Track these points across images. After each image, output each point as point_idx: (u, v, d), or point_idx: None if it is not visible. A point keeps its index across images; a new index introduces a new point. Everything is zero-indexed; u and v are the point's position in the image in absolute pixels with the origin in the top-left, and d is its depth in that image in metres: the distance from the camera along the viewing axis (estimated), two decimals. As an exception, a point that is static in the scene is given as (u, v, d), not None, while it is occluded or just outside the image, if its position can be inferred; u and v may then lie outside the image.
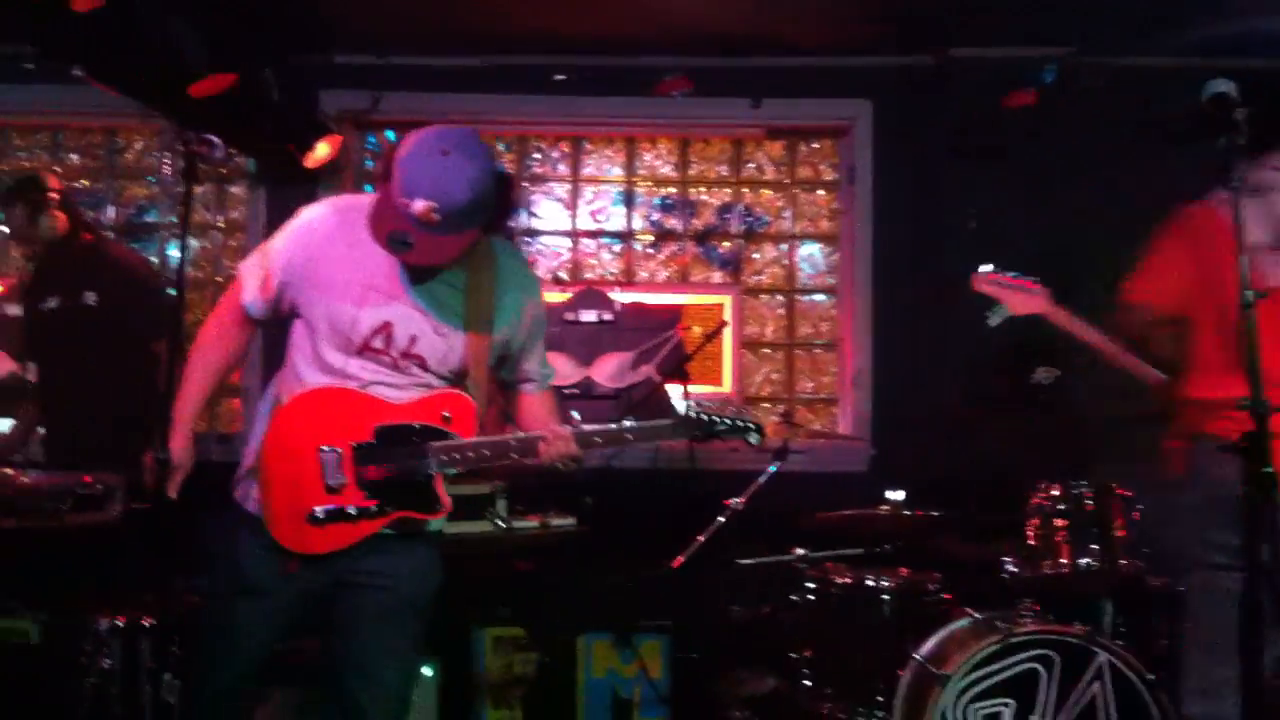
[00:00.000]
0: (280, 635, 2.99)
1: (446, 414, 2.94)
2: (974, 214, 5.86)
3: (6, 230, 5.02)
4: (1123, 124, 5.75)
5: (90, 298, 4.64)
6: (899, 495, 4.64)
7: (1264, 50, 5.57)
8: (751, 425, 2.99)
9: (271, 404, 3.00)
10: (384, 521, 2.91)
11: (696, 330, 5.99)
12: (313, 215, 2.98)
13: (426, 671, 4.07)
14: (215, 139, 3.05)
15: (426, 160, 2.76)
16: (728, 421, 2.98)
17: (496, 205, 2.88)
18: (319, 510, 2.86)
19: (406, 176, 2.75)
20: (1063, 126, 5.77)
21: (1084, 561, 4.22)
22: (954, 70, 5.86)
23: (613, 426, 3.00)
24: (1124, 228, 5.76)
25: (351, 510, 2.88)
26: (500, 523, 4.66)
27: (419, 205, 2.72)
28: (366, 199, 2.96)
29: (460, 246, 2.84)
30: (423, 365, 2.94)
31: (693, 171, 6.34)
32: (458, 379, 3.00)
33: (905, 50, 5.91)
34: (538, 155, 6.34)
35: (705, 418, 2.98)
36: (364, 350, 2.90)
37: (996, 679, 3.97)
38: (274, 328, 3.11)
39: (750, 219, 6.33)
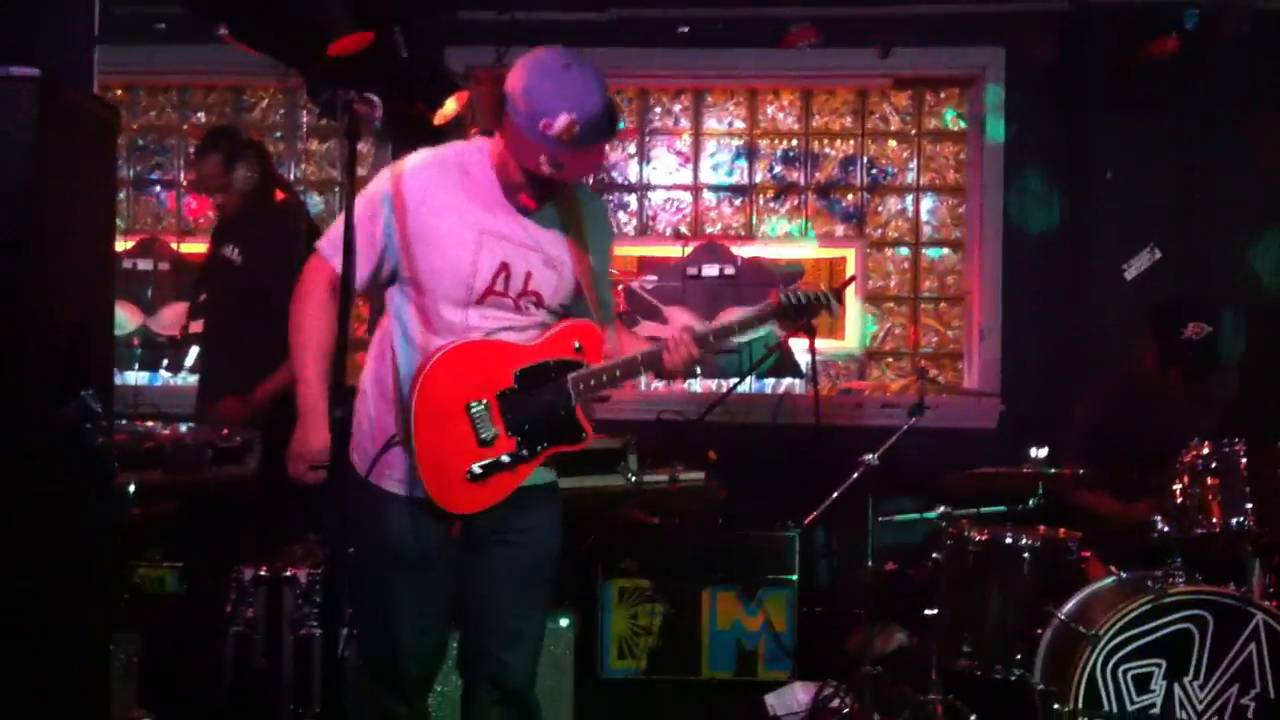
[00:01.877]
0: (450, 607, 2.99)
1: (577, 344, 2.95)
2: (1111, 166, 5.69)
3: (195, 178, 5.03)
4: (1268, 72, 5.53)
5: (266, 254, 4.60)
6: (1041, 452, 4.53)
7: None
8: (827, 296, 3.02)
9: (380, 383, 2.95)
10: (538, 462, 2.91)
11: (821, 285, 5.90)
12: (399, 178, 2.89)
13: (562, 622, 4.07)
14: (375, 98, 3.02)
15: (552, 79, 2.71)
16: (812, 297, 3.00)
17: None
18: (476, 467, 2.86)
19: (537, 100, 2.70)
20: (1205, 75, 5.58)
21: (1235, 521, 4.09)
22: (1091, 17, 5.68)
23: (721, 324, 3.02)
24: (1265, 183, 5.58)
25: (505, 459, 2.87)
26: (631, 477, 4.65)
27: (561, 121, 2.68)
28: (442, 149, 2.94)
29: (602, 156, 2.85)
30: (539, 302, 2.93)
31: (816, 123, 6.23)
32: (566, 312, 3.00)
33: (1038, -4, 5.74)
34: (658, 109, 6.27)
35: (795, 299, 3.01)
36: (486, 297, 2.88)
37: (1146, 639, 3.87)
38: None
39: (875, 171, 6.21)
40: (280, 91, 6.30)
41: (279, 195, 4.79)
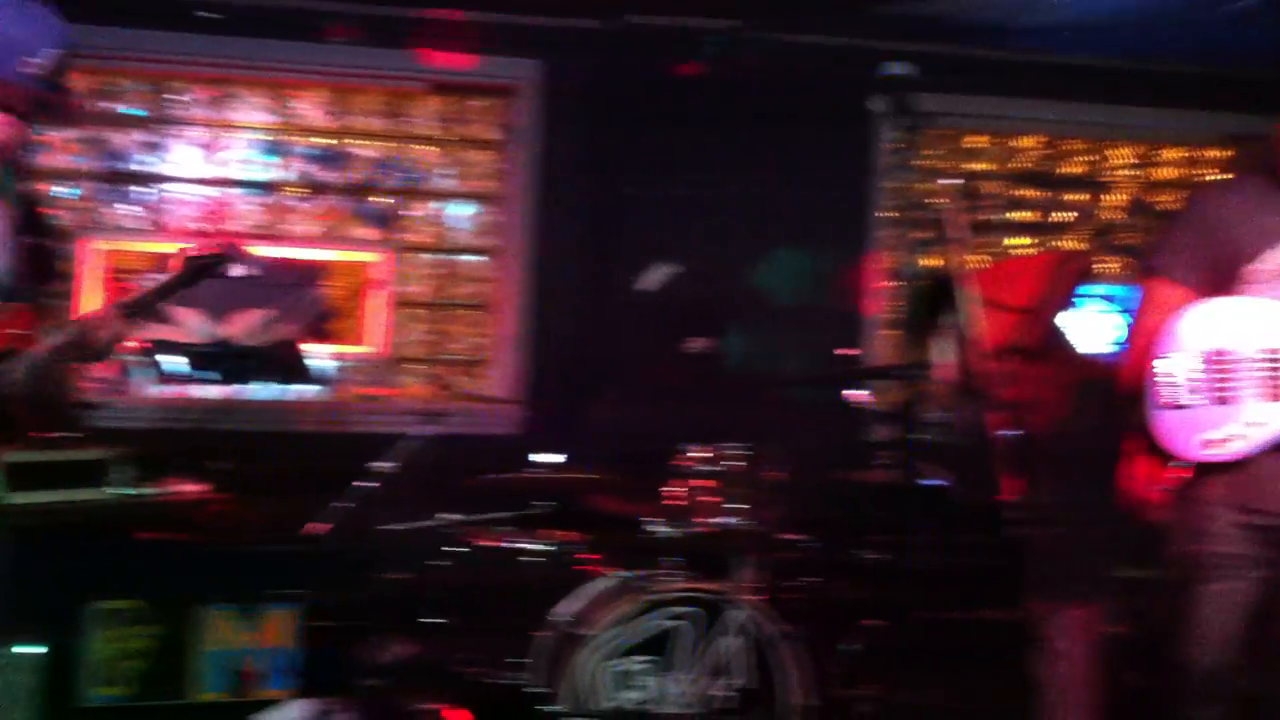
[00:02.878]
0: None
1: None
2: (639, 181, 5.93)
3: None
4: (785, 99, 5.95)
5: None
6: (552, 458, 4.64)
7: (933, 35, 5.88)
8: (231, 253, 3.04)
9: None
10: None
11: (342, 290, 5.81)
12: None
13: (31, 650, 3.74)
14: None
15: None
16: (223, 253, 3.03)
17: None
18: None
19: None
20: (729, 98, 5.91)
21: (727, 520, 4.34)
22: (626, 36, 5.90)
23: (144, 291, 2.91)
24: (775, 203, 6.01)
25: None
26: (119, 490, 4.35)
27: None
28: None
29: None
30: None
31: (348, 123, 6.12)
32: None
33: (577, 12, 5.88)
34: (177, 97, 5.95)
35: (204, 256, 2.92)
36: None
37: (637, 637, 4.01)
38: None
39: (408, 175, 6.17)
40: None
41: None
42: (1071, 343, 4.05)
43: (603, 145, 5.97)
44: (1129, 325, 3.38)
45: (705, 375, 4.84)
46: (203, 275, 2.92)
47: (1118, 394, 3.30)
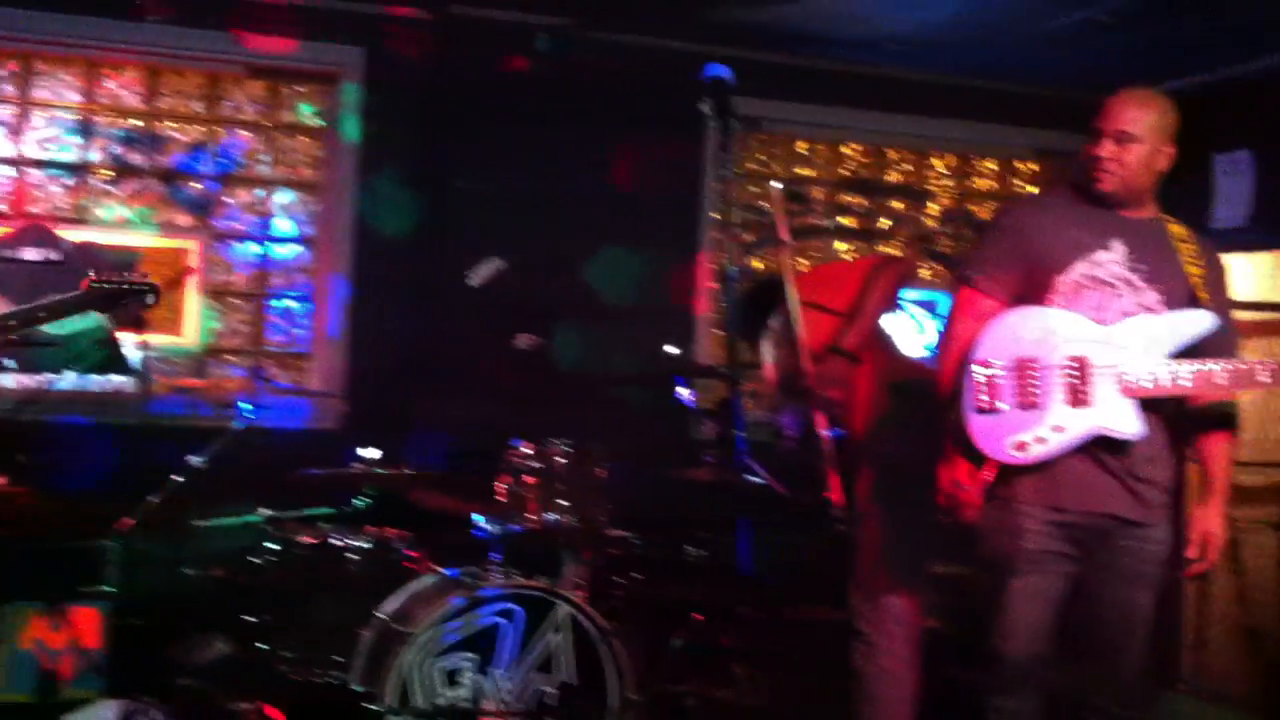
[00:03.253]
0: None
1: None
2: (467, 174, 5.89)
3: None
4: (617, 97, 5.99)
5: None
6: (373, 453, 4.58)
7: (762, 42, 5.99)
8: (147, 286, 2.95)
9: None
10: None
11: (154, 278, 5.61)
12: None
13: None
14: None
15: None
16: (127, 284, 2.94)
17: None
18: None
19: None
20: (560, 94, 5.93)
21: (552, 517, 4.36)
22: (454, 27, 5.85)
23: (25, 307, 2.87)
24: (607, 201, 6.05)
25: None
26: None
27: None
28: None
29: None
30: None
31: (162, 105, 5.92)
32: None
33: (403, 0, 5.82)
34: (-22, 72, 5.69)
35: (110, 285, 2.90)
36: None
37: (460, 634, 4.00)
38: None
39: (224, 161, 6.00)
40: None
41: None
42: (893, 345, 4.18)
43: (431, 137, 5.91)
44: (943, 331, 3.53)
45: (533, 372, 4.85)
46: (103, 303, 2.84)
47: (935, 396, 3.45)
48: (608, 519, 4.50)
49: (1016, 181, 7.10)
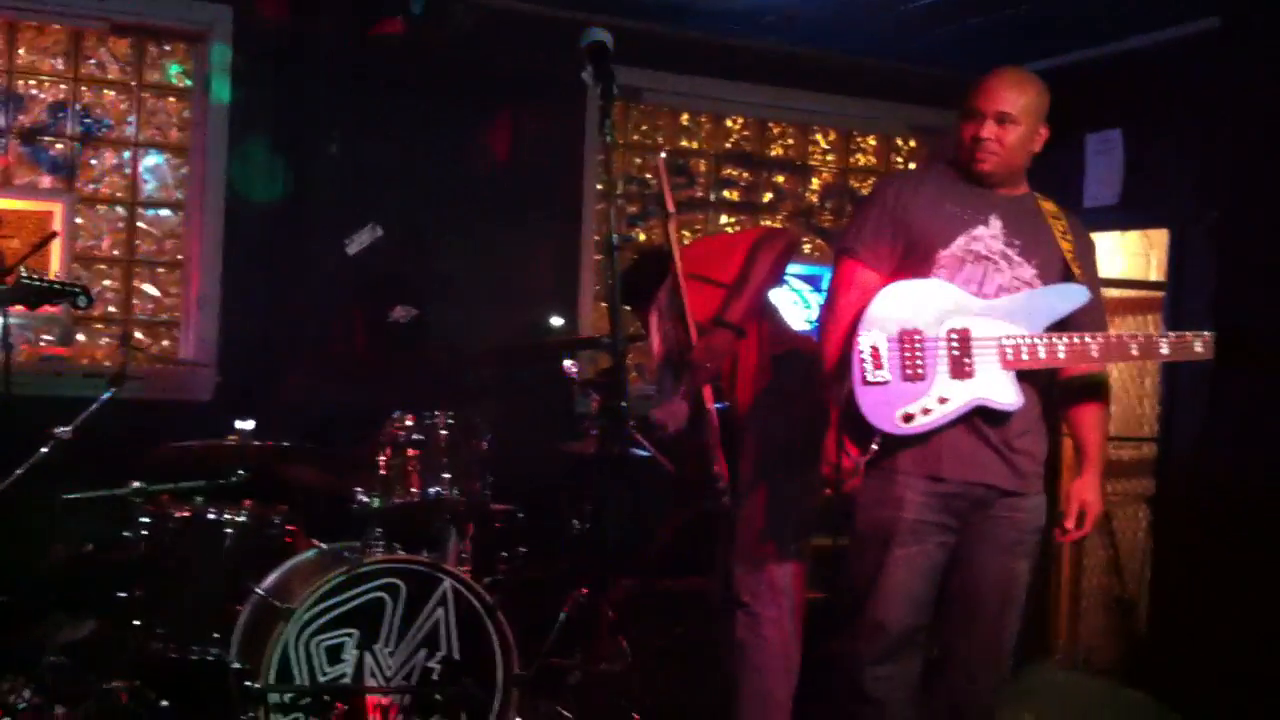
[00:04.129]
0: None
1: None
2: (339, 139, 5.82)
3: None
4: (490, 64, 5.96)
5: None
6: (247, 425, 4.52)
7: (642, 12, 6.01)
8: (79, 289, 2.92)
9: None
10: None
11: (15, 242, 5.45)
12: None
13: None
14: None
15: None
16: (58, 285, 2.89)
17: None
18: None
19: None
20: (433, 60, 5.88)
21: (433, 490, 4.36)
22: (322, -12, 5.77)
23: None
24: (481, 171, 6.03)
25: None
26: None
27: None
28: None
29: None
30: None
31: (21, 61, 5.73)
32: None
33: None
34: None
35: (36, 282, 2.85)
36: None
37: (341, 610, 3.99)
38: None
39: (89, 121, 5.84)
40: None
41: None
42: (778, 317, 4.25)
43: (302, 101, 5.81)
44: (824, 303, 3.61)
45: (411, 342, 4.82)
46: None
47: (818, 369, 3.52)
48: (491, 492, 4.51)
49: (897, 158, 7.25)
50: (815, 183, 7.12)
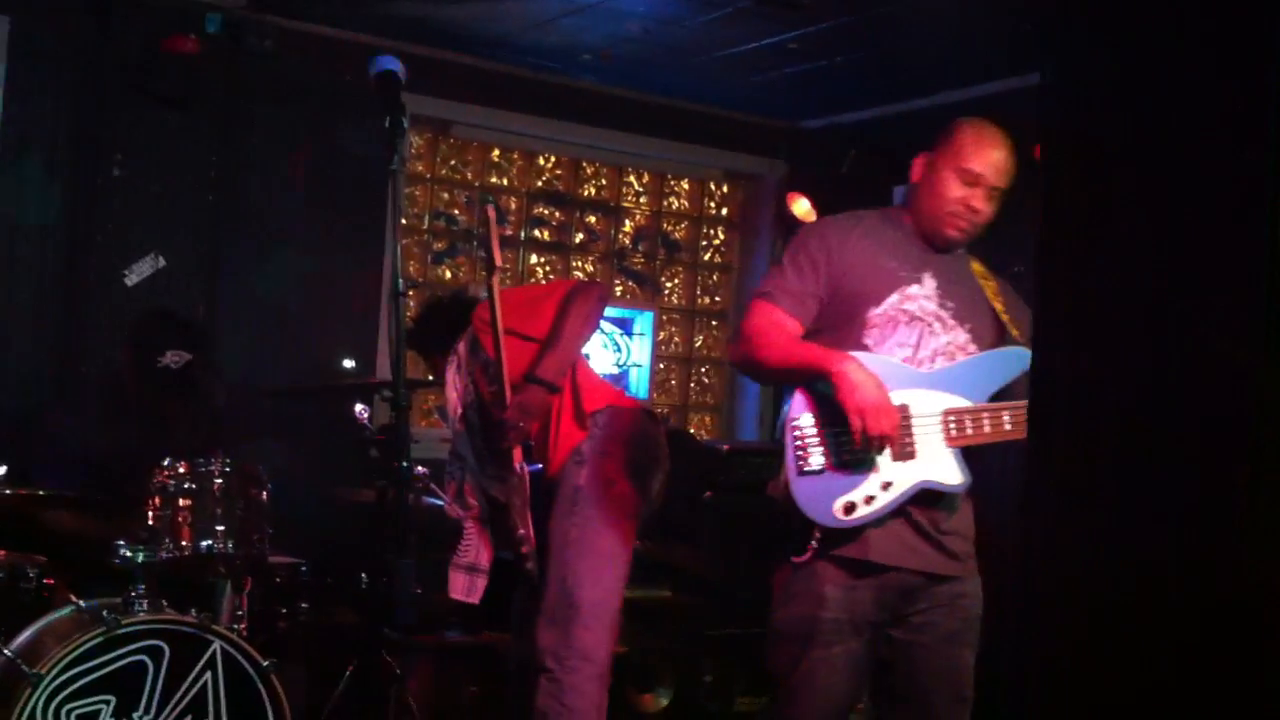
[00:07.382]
0: None
1: None
2: (123, 162, 5.55)
3: None
4: (297, 85, 5.77)
5: None
6: (0, 469, 4.23)
7: (446, 42, 5.89)
8: None
9: None
10: None
11: None
12: None
13: None
14: None
15: None
16: None
17: None
18: None
19: None
20: (233, 80, 5.67)
21: (206, 543, 4.13)
22: (111, 2, 5.49)
23: None
24: (281, 198, 5.82)
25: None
26: None
27: None
28: None
29: None
30: None
31: None
32: None
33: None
34: None
35: None
36: None
37: (97, 675, 3.72)
38: None
39: None
40: None
41: None
42: (591, 373, 4.15)
43: (86, 119, 5.53)
44: (739, 344, 3.33)
45: (182, 389, 4.57)
46: None
47: (629, 425, 3.38)
48: (270, 546, 4.30)
49: (710, 203, 7.27)
50: (628, 225, 7.08)
